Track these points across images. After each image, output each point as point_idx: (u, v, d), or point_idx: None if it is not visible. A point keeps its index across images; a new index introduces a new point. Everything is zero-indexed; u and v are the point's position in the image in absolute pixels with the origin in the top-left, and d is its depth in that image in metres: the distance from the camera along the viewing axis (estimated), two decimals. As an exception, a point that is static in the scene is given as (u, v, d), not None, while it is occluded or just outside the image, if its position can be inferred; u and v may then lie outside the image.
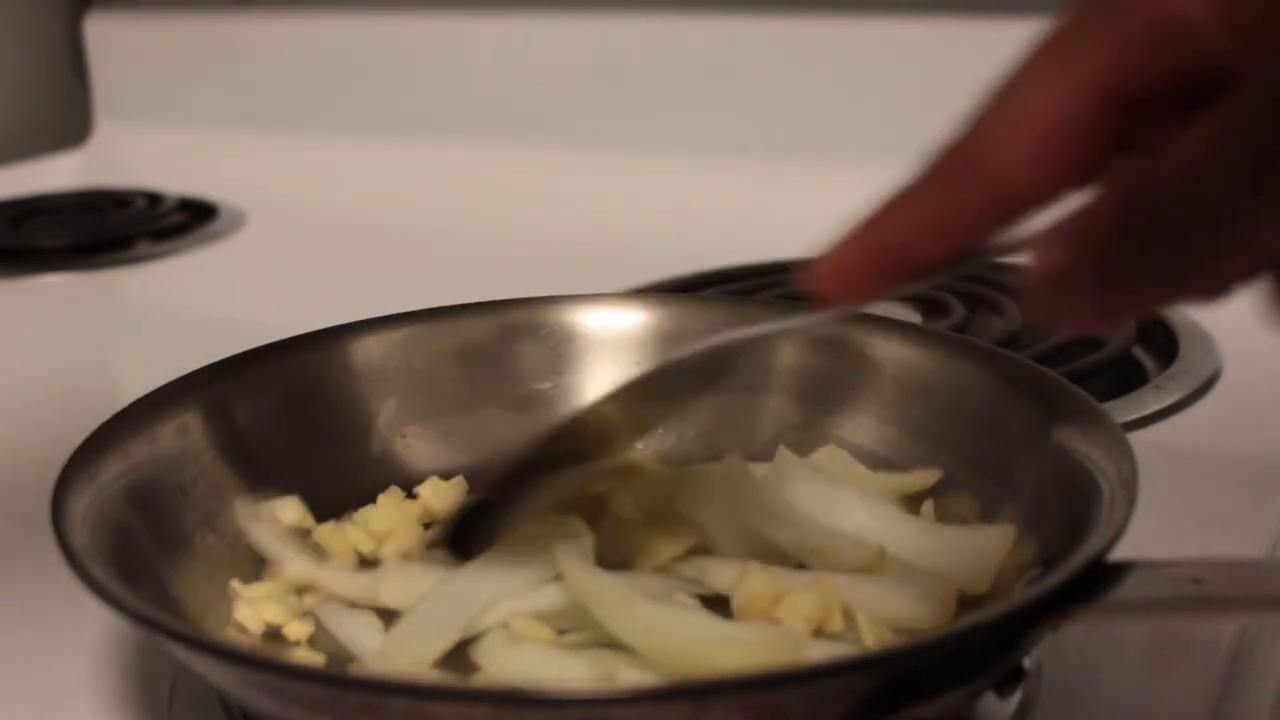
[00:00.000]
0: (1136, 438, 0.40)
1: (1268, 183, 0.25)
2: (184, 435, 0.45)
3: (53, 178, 1.14)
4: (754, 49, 0.94)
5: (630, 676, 0.37)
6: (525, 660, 0.39)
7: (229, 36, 1.16)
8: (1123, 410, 0.57)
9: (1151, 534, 0.36)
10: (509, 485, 0.41)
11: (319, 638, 0.42)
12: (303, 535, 0.46)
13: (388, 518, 0.47)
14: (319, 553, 0.45)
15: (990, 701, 0.38)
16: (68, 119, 1.26)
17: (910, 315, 0.68)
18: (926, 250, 0.31)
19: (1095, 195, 0.29)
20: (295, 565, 0.44)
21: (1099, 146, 0.28)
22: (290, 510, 0.46)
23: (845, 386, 0.50)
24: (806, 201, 0.89)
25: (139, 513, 0.41)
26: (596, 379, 0.52)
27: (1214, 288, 0.28)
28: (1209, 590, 0.34)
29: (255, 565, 0.44)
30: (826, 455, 0.48)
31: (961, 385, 0.47)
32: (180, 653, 0.35)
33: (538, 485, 0.42)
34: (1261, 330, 0.72)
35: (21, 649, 0.45)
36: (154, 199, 1.03)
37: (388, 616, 0.42)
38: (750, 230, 0.86)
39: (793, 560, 0.43)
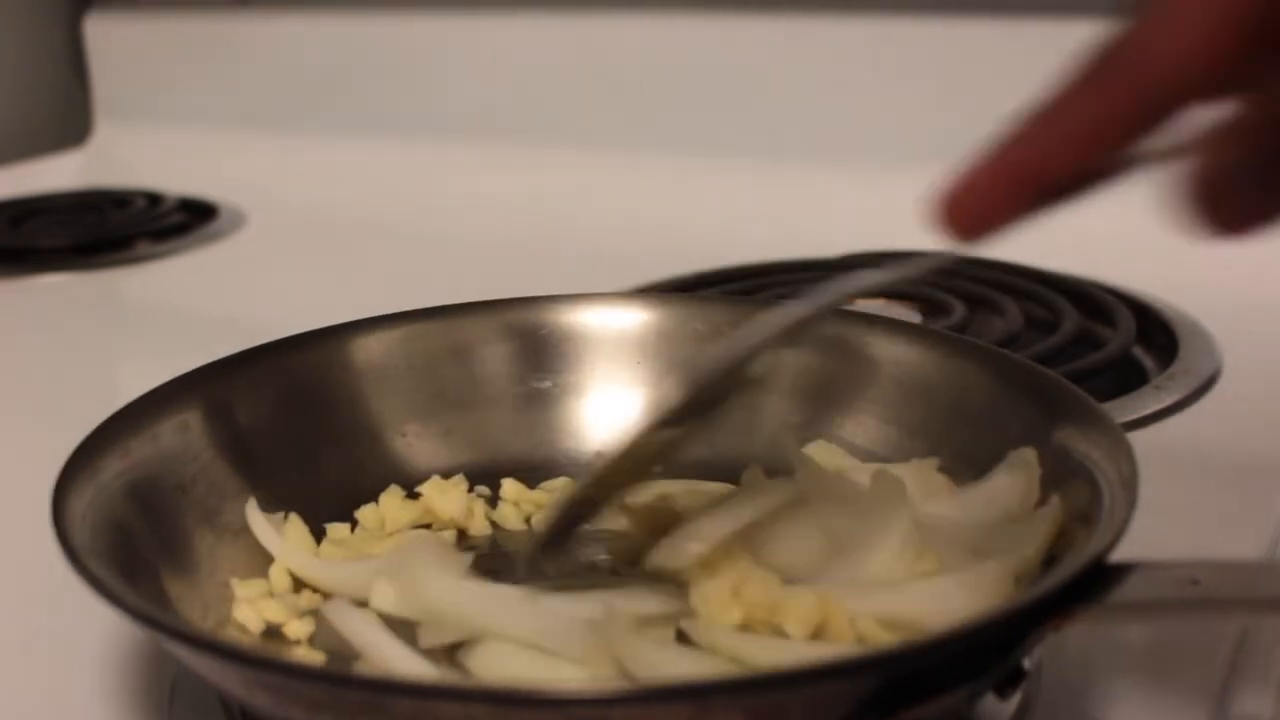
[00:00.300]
0: (1136, 438, 0.40)
1: None
2: (184, 433, 0.45)
3: (53, 178, 1.14)
4: (754, 49, 0.94)
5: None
6: (518, 667, 0.39)
7: (229, 36, 1.16)
8: (1123, 410, 0.57)
9: (1151, 534, 0.36)
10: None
11: (319, 636, 0.42)
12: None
13: (388, 517, 0.47)
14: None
15: (990, 702, 0.38)
16: (68, 119, 1.26)
17: (910, 315, 0.68)
18: (1075, 160, 0.31)
19: (1247, 102, 0.29)
20: (296, 560, 0.44)
21: (1259, 47, 0.28)
22: (293, 530, 0.46)
23: (845, 386, 0.50)
24: (806, 201, 0.90)
25: (139, 511, 0.41)
26: (596, 378, 0.52)
27: None
28: (1208, 592, 0.34)
29: (255, 564, 0.44)
30: (818, 450, 0.48)
31: (961, 385, 0.47)
32: (181, 652, 0.35)
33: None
34: (1261, 330, 0.72)
35: (22, 648, 0.45)
36: (154, 199, 1.03)
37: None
38: (750, 230, 0.86)
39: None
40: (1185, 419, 0.58)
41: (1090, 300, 0.69)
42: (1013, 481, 0.43)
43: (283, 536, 0.45)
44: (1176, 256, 0.75)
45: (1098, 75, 0.30)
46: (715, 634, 0.38)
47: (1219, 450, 0.55)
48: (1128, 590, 0.34)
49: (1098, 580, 0.34)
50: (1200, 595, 0.34)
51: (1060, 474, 0.41)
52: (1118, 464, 0.38)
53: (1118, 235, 0.80)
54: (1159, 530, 0.38)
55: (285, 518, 0.46)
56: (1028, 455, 0.42)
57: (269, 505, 0.45)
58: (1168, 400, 0.58)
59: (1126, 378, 0.62)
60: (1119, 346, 0.63)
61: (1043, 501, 0.41)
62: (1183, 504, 0.49)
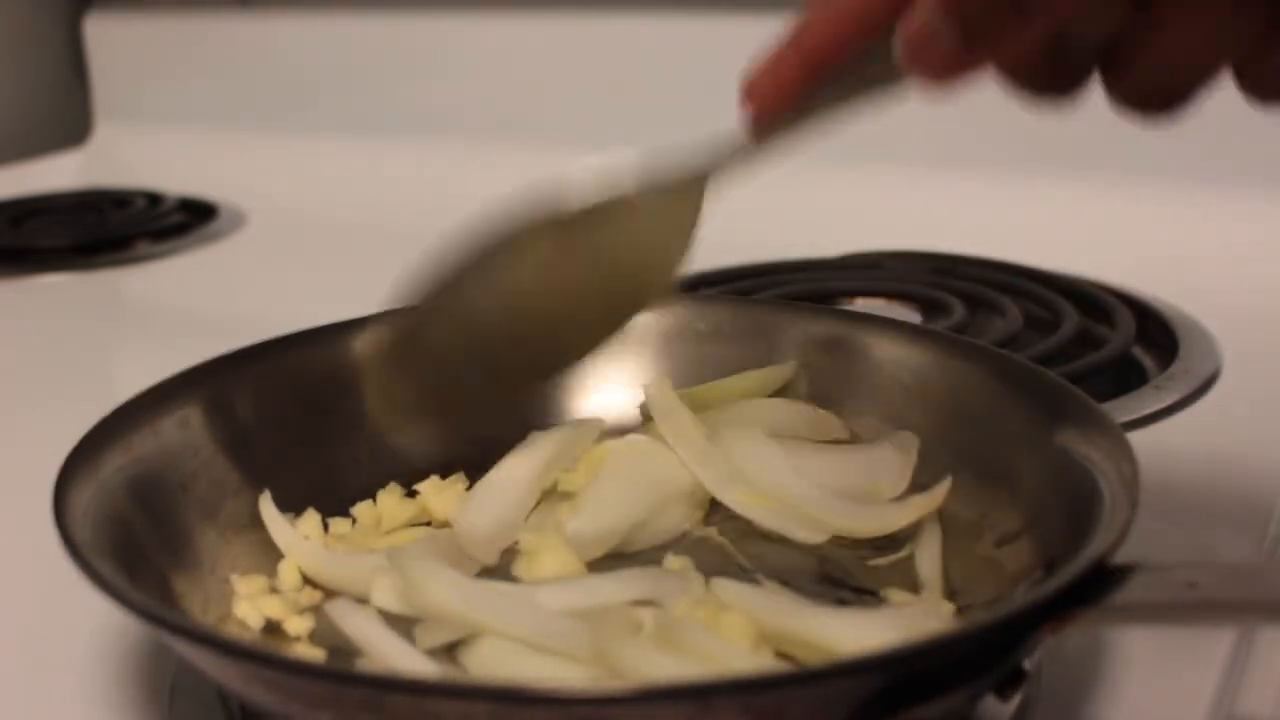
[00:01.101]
0: (1136, 438, 0.40)
1: None
2: (185, 429, 0.45)
3: (53, 178, 1.14)
4: (754, 49, 0.94)
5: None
6: (516, 666, 0.39)
7: (229, 36, 1.16)
8: (1123, 410, 0.57)
9: (1150, 534, 0.36)
10: None
11: (319, 632, 0.42)
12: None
13: (385, 515, 0.47)
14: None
15: (991, 703, 0.38)
16: (68, 119, 1.25)
17: (910, 315, 0.68)
18: (845, 39, 0.38)
19: None
20: (305, 556, 0.44)
21: None
22: (307, 525, 0.46)
23: (845, 386, 0.50)
24: (806, 201, 0.89)
25: (140, 507, 0.42)
26: (595, 377, 0.52)
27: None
28: (1206, 594, 0.34)
29: (256, 561, 0.44)
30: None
31: (961, 385, 0.47)
32: (182, 648, 0.35)
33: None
34: (1261, 330, 0.72)
35: (22, 646, 0.45)
36: (154, 199, 1.03)
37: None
38: (750, 230, 0.86)
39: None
40: (1185, 419, 0.58)
41: (1090, 300, 0.69)
42: (889, 459, 0.47)
43: (296, 530, 0.45)
44: (1176, 256, 0.75)
45: None
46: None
47: (1219, 450, 0.55)
48: (1127, 593, 0.34)
49: (1098, 582, 0.34)
50: (1198, 598, 0.34)
51: (1061, 475, 0.41)
52: (1118, 464, 0.38)
53: (1118, 235, 0.80)
54: (1158, 530, 0.38)
55: (297, 515, 0.46)
56: (908, 439, 0.47)
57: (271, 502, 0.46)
58: (1168, 400, 0.58)
59: (1126, 378, 0.62)
60: (1119, 346, 0.63)
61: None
62: (1183, 504, 0.49)
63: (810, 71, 0.39)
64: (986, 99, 0.40)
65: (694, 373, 0.52)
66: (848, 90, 0.39)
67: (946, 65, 0.36)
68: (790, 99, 0.40)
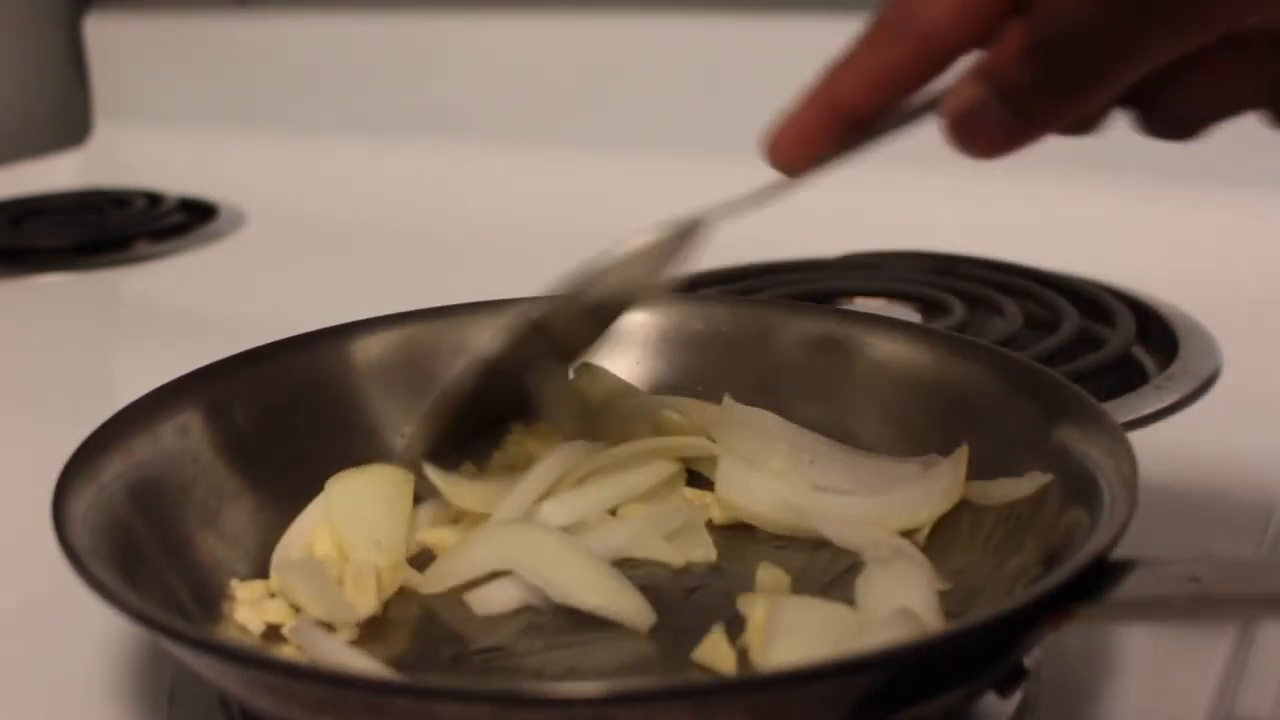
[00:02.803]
0: (1136, 438, 0.40)
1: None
2: (184, 435, 0.45)
3: (53, 178, 1.14)
4: (753, 49, 0.94)
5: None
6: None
7: (229, 36, 1.16)
8: (1123, 410, 0.57)
9: (1151, 533, 0.36)
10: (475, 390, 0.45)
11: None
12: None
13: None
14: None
15: (991, 700, 0.38)
16: (68, 119, 1.26)
17: (910, 315, 0.68)
18: (872, 102, 0.37)
19: (995, 44, 0.36)
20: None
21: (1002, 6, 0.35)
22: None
23: (845, 386, 0.50)
24: (805, 201, 0.89)
25: (140, 512, 0.42)
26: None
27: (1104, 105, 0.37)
28: (1209, 589, 0.34)
29: (256, 565, 0.44)
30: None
31: (961, 385, 0.47)
32: (183, 653, 0.35)
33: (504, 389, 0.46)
34: (1261, 330, 0.72)
35: (22, 648, 0.45)
36: (154, 199, 1.04)
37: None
38: (750, 230, 0.86)
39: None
40: (1185, 419, 0.58)
41: (1090, 300, 0.69)
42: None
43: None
44: (1176, 256, 0.75)
45: (877, 33, 0.37)
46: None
47: (1219, 450, 0.55)
48: (1129, 588, 0.34)
49: (1098, 578, 0.34)
50: (1201, 593, 0.34)
51: (1060, 474, 0.41)
52: (1118, 463, 0.38)
53: (1118, 235, 0.80)
54: (1159, 529, 0.38)
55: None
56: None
57: (268, 506, 0.46)
58: (1168, 400, 0.58)
59: (1126, 378, 0.62)
60: (1119, 346, 0.63)
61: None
62: (1183, 504, 0.49)
63: (840, 125, 0.38)
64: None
65: (693, 373, 0.52)
66: (882, 131, 0.39)
67: (995, 143, 0.37)
68: (816, 152, 0.39)
